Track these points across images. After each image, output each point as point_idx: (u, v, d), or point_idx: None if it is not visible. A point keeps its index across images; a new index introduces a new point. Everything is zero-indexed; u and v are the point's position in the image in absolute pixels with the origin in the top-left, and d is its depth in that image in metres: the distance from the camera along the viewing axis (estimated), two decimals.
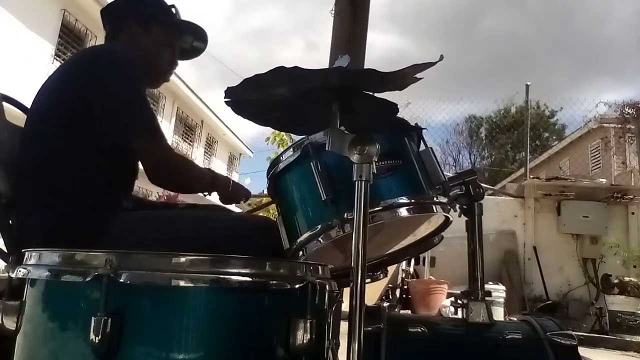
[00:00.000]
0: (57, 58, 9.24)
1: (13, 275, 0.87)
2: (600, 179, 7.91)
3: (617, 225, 6.99)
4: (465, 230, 1.35)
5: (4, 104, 1.39)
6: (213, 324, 0.80)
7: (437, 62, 0.90)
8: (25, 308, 0.85)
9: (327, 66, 1.67)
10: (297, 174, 1.19)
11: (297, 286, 0.85)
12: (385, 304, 1.36)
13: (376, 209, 1.08)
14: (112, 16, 1.53)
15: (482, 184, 1.36)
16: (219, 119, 17.19)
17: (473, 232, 1.34)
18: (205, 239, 1.22)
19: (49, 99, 1.35)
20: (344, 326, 0.94)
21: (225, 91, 0.93)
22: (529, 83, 8.35)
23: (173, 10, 1.55)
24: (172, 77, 1.69)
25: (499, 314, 5.11)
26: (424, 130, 1.24)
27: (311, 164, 1.12)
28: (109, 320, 0.74)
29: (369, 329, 1.18)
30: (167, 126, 13.82)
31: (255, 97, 0.97)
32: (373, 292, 5.67)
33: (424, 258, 6.46)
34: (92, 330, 0.74)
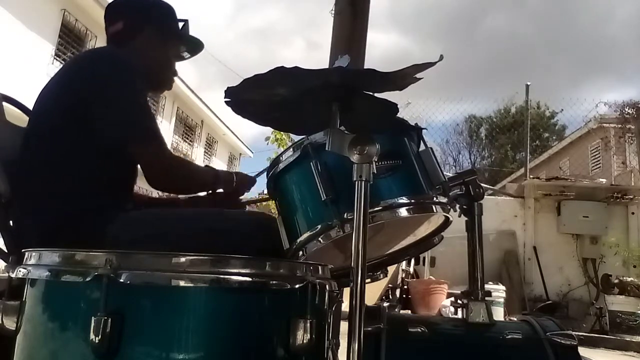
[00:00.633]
0: (57, 58, 9.24)
1: (13, 275, 0.87)
2: (600, 179, 7.92)
3: (617, 225, 6.99)
4: (465, 230, 1.35)
5: (4, 104, 1.39)
6: (213, 324, 0.80)
7: (437, 62, 0.90)
8: (25, 308, 0.85)
9: (327, 66, 1.67)
10: (297, 174, 1.19)
11: (297, 286, 0.85)
12: (385, 304, 1.36)
13: (376, 209, 1.08)
14: (131, 17, 1.50)
15: (482, 184, 1.36)
16: (219, 119, 17.19)
17: (473, 232, 1.34)
18: (204, 235, 1.22)
19: (50, 100, 1.35)
20: (344, 326, 0.94)
21: (225, 91, 0.93)
22: (529, 83, 8.37)
23: (181, 23, 1.55)
24: None
25: (499, 314, 5.11)
26: (423, 130, 1.24)
27: (311, 164, 1.12)
28: (109, 320, 0.74)
29: (369, 329, 1.18)
30: (167, 126, 13.82)
31: (255, 97, 0.97)
32: (373, 292, 5.67)
33: (424, 258, 6.46)
34: (92, 330, 0.74)
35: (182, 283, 0.78)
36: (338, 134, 0.95)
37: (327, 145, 0.95)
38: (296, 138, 1.23)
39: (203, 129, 17.20)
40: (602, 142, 11.06)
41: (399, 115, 1.03)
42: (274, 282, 0.84)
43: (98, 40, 9.99)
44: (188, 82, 14.32)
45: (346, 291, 1.01)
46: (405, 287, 6.18)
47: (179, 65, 1.64)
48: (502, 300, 5.47)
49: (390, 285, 6.11)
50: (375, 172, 0.93)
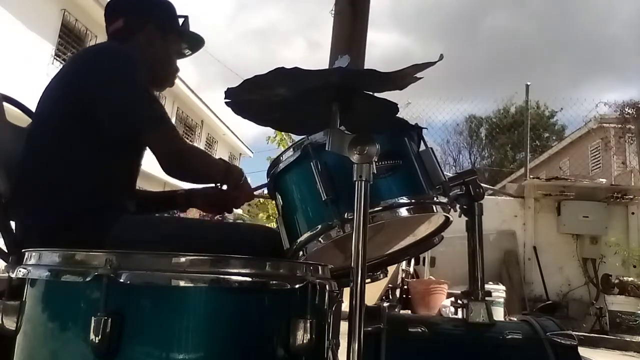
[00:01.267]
0: (57, 58, 9.24)
1: (13, 275, 0.87)
2: (600, 179, 7.91)
3: (617, 225, 6.99)
4: (465, 230, 1.35)
5: (4, 104, 1.39)
6: (213, 324, 0.80)
7: (436, 62, 0.90)
8: (25, 308, 0.85)
9: (327, 66, 1.67)
10: (297, 174, 1.19)
11: (297, 286, 0.85)
12: (385, 304, 1.36)
13: (376, 209, 1.08)
14: (131, 14, 1.50)
15: (482, 184, 1.36)
16: (219, 119, 17.19)
17: (473, 232, 1.34)
18: (206, 244, 1.22)
19: (53, 100, 1.35)
20: (344, 326, 0.94)
21: (225, 92, 0.93)
22: (529, 83, 8.37)
23: (182, 19, 1.55)
24: None
25: (499, 314, 5.11)
26: (423, 130, 1.24)
27: (311, 164, 1.12)
28: (109, 320, 0.74)
29: (369, 329, 1.18)
30: (172, 123, 13.82)
31: (255, 97, 0.97)
32: (373, 292, 5.67)
33: (424, 258, 6.45)
34: (92, 330, 0.74)
35: (182, 283, 0.78)
36: (338, 134, 0.95)
37: (327, 145, 0.95)
38: (296, 138, 1.23)
39: (203, 129, 17.20)
40: (602, 142, 11.06)
41: (399, 115, 1.03)
42: (274, 282, 0.84)
43: (98, 40, 9.98)
44: (188, 82, 14.33)
45: (346, 291, 1.01)
46: (405, 287, 6.18)
47: (179, 65, 1.64)
48: (502, 300, 5.47)
49: (390, 285, 6.10)
50: (375, 172, 0.93)
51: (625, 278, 6.20)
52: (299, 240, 1.15)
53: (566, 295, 6.87)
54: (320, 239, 1.12)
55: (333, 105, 0.97)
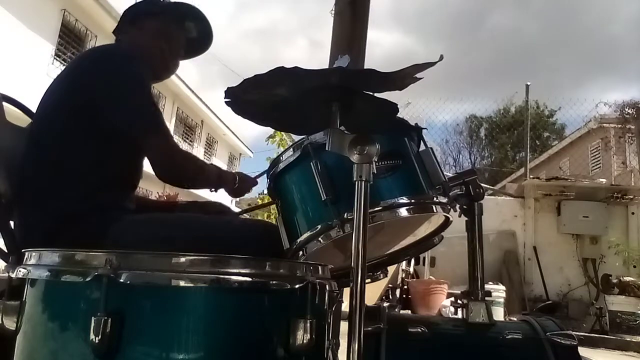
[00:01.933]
0: (57, 58, 9.24)
1: (13, 275, 0.87)
2: (600, 179, 7.91)
3: (617, 225, 6.99)
4: (465, 230, 1.35)
5: (4, 104, 1.39)
6: (213, 324, 0.80)
7: (437, 62, 0.90)
8: (25, 308, 0.85)
9: (328, 66, 1.66)
10: (297, 174, 1.19)
11: (297, 286, 0.85)
12: (385, 304, 1.36)
13: (376, 209, 1.08)
14: (129, 14, 1.53)
15: (482, 184, 1.36)
16: (219, 119, 17.19)
17: (473, 232, 1.34)
18: (206, 242, 1.22)
19: (54, 100, 1.35)
20: (344, 326, 0.94)
21: (225, 91, 0.93)
22: (529, 83, 8.36)
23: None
24: (173, 77, 1.68)
25: (499, 314, 5.11)
26: (423, 130, 1.24)
27: (311, 164, 1.12)
28: (109, 320, 0.74)
29: (369, 329, 1.18)
30: (169, 129, 13.82)
31: (255, 97, 0.97)
32: (373, 292, 5.66)
33: (424, 258, 6.45)
34: (92, 330, 0.74)
35: (182, 283, 0.78)
36: (338, 134, 0.95)
37: (327, 145, 0.95)
38: (296, 138, 1.23)
39: (203, 129, 17.20)
40: (602, 142, 11.06)
41: (399, 115, 1.03)
42: (274, 282, 0.84)
43: (98, 40, 9.99)
44: (189, 82, 14.34)
45: (346, 291, 1.01)
46: (405, 287, 6.17)
47: (181, 66, 1.63)
48: (502, 300, 5.46)
49: (390, 285, 6.10)
50: (375, 172, 0.93)
51: (625, 278, 6.19)
52: (299, 240, 1.15)
53: (566, 295, 6.86)
54: (320, 239, 1.12)
55: (333, 105, 0.97)
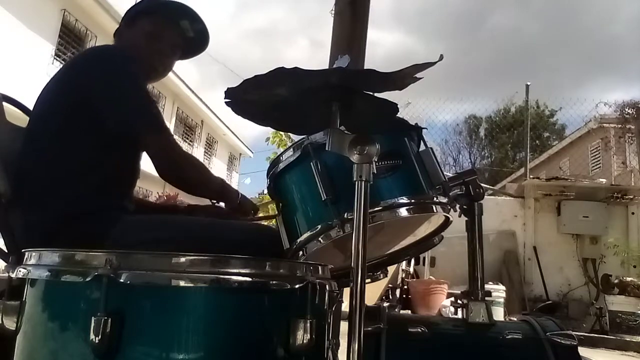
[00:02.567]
0: (57, 58, 9.24)
1: (13, 275, 0.87)
2: (600, 179, 7.91)
3: (617, 225, 6.99)
4: (465, 230, 1.35)
5: (4, 104, 1.39)
6: (213, 324, 0.80)
7: (437, 62, 0.90)
8: (25, 308, 0.85)
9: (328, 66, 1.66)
10: (297, 174, 1.19)
11: (297, 286, 0.85)
12: (385, 304, 1.36)
13: (376, 209, 1.08)
14: (126, 14, 1.53)
15: (482, 184, 1.36)
16: (219, 119, 17.19)
17: (473, 232, 1.34)
18: (206, 244, 1.22)
19: (51, 100, 1.35)
20: (344, 326, 0.94)
21: (225, 92, 0.93)
22: (528, 83, 8.37)
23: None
24: (173, 77, 1.68)
25: (499, 314, 5.10)
26: (423, 130, 1.24)
27: (311, 164, 1.12)
28: (109, 320, 0.74)
29: (369, 329, 1.18)
30: (169, 128, 13.82)
31: (255, 97, 0.97)
32: (373, 292, 5.66)
33: (424, 258, 6.45)
34: (92, 330, 0.74)
35: (182, 283, 0.78)
36: (338, 134, 0.95)
37: (327, 145, 0.95)
38: (296, 138, 1.23)
39: (203, 129, 17.20)
40: (602, 142, 11.06)
41: (399, 115, 1.03)
42: (274, 282, 0.84)
43: (98, 40, 9.99)
44: (189, 82, 14.33)
45: (346, 291, 1.01)
46: (405, 287, 6.17)
47: (182, 66, 1.63)
48: (502, 300, 5.46)
49: (390, 285, 6.10)
50: (375, 172, 0.93)
51: (625, 278, 6.20)
52: (299, 240, 1.15)
53: (566, 295, 6.86)
54: (320, 239, 1.12)
55: (333, 105, 0.97)
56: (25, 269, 0.86)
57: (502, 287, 5.74)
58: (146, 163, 1.44)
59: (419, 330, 1.24)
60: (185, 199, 1.93)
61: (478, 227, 1.34)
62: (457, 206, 1.30)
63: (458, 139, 24.85)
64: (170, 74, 1.66)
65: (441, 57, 0.90)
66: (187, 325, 0.79)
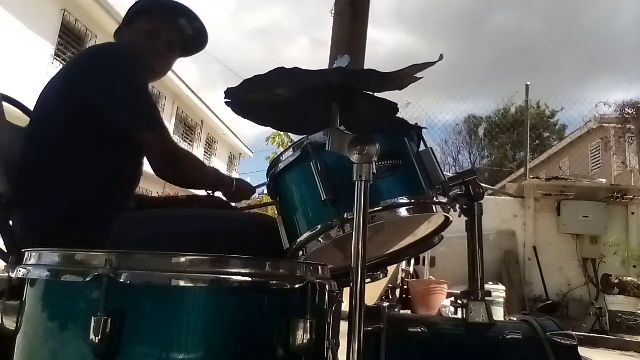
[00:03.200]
0: (57, 58, 9.24)
1: (13, 275, 0.87)
2: (600, 179, 7.91)
3: (617, 225, 6.98)
4: (465, 230, 1.35)
5: (4, 104, 1.40)
6: (213, 324, 0.80)
7: (437, 62, 0.90)
8: (25, 308, 0.85)
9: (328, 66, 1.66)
10: (297, 174, 1.19)
11: (297, 286, 0.85)
12: (385, 304, 1.36)
13: (376, 209, 1.08)
14: (126, 14, 1.54)
15: (482, 184, 1.36)
16: (219, 119, 17.19)
17: (473, 232, 1.34)
18: (205, 236, 1.22)
19: (52, 99, 1.35)
20: (344, 326, 0.94)
21: (225, 92, 0.93)
22: (529, 83, 8.36)
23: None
24: (173, 77, 1.68)
25: (499, 314, 5.11)
26: (423, 130, 1.24)
27: (311, 164, 1.12)
28: (109, 320, 0.74)
29: (369, 329, 1.18)
30: (167, 126, 13.83)
31: (255, 97, 0.97)
32: (373, 292, 5.66)
33: (424, 258, 6.45)
34: (92, 330, 0.74)
35: (182, 283, 0.78)
36: (338, 134, 0.95)
37: (327, 145, 0.95)
38: (296, 138, 1.23)
39: (203, 129, 17.21)
40: (602, 142, 11.06)
41: (399, 115, 1.03)
42: (274, 282, 0.84)
43: (98, 40, 9.98)
44: (189, 82, 14.33)
45: (346, 291, 1.01)
46: (405, 287, 6.17)
47: (182, 66, 1.63)
48: (502, 300, 5.47)
49: (390, 285, 6.10)
50: (375, 172, 0.93)
51: (625, 278, 6.19)
52: (299, 240, 1.15)
53: (566, 295, 6.86)
54: (320, 239, 1.12)
55: (333, 105, 0.97)
56: (25, 269, 0.86)
57: (502, 287, 5.74)
58: (147, 163, 1.44)
59: (419, 330, 1.24)
60: (183, 193, 1.93)
61: (478, 227, 1.34)
62: (457, 206, 1.30)
63: (458, 139, 24.86)
64: (170, 73, 1.67)
65: (441, 57, 0.90)
66: (187, 325, 0.79)
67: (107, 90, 1.29)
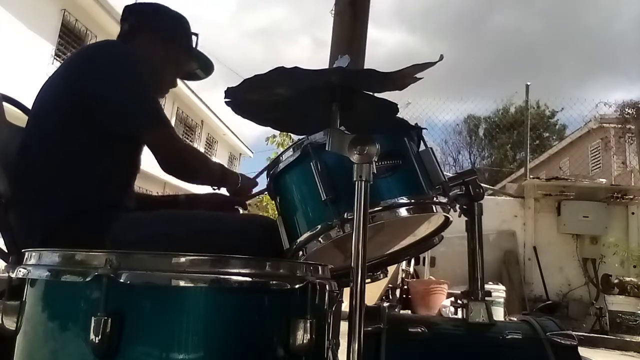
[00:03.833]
0: (57, 58, 9.24)
1: (13, 275, 0.87)
2: (600, 179, 7.91)
3: (617, 225, 6.99)
4: (465, 230, 1.35)
5: (4, 104, 1.39)
6: (213, 324, 0.80)
7: (437, 62, 0.90)
8: (25, 308, 0.85)
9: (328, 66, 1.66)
10: (297, 174, 1.19)
11: (297, 286, 0.85)
12: (385, 304, 1.36)
13: (376, 209, 1.08)
14: (137, 19, 1.50)
15: (482, 184, 1.36)
16: (219, 119, 17.19)
17: (473, 232, 1.34)
18: (205, 236, 1.22)
19: (51, 97, 1.35)
20: (344, 326, 0.94)
21: (225, 91, 0.93)
22: (528, 83, 8.37)
23: (194, 37, 1.56)
24: None
25: (499, 314, 5.11)
26: (423, 130, 1.24)
27: (311, 164, 1.12)
28: (109, 320, 0.74)
29: (369, 329, 1.18)
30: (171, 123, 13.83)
31: (255, 97, 0.97)
32: (373, 292, 5.67)
33: (424, 258, 6.46)
34: (92, 330, 0.73)
35: (182, 283, 0.78)
36: (338, 134, 0.95)
37: (327, 145, 0.95)
38: (296, 138, 1.23)
39: (203, 129, 17.20)
40: (602, 142, 11.06)
41: (399, 115, 1.03)
42: (274, 282, 0.84)
43: (98, 40, 9.98)
44: (189, 82, 14.30)
45: (346, 291, 1.01)
46: (405, 287, 6.18)
47: None
48: (502, 300, 5.47)
49: (390, 285, 6.10)
50: (375, 172, 0.93)
51: (625, 278, 6.20)
52: (298, 240, 1.15)
53: (566, 295, 6.86)
54: (320, 239, 1.12)
55: (333, 105, 0.97)
56: (25, 269, 0.86)
57: (502, 287, 5.74)
58: (146, 162, 1.44)
59: (419, 330, 1.24)
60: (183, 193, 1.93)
61: (478, 227, 1.34)
62: (457, 206, 1.30)
63: (458, 139, 24.85)
64: None
65: (441, 57, 0.90)
66: (187, 325, 0.79)
67: (110, 88, 1.28)
